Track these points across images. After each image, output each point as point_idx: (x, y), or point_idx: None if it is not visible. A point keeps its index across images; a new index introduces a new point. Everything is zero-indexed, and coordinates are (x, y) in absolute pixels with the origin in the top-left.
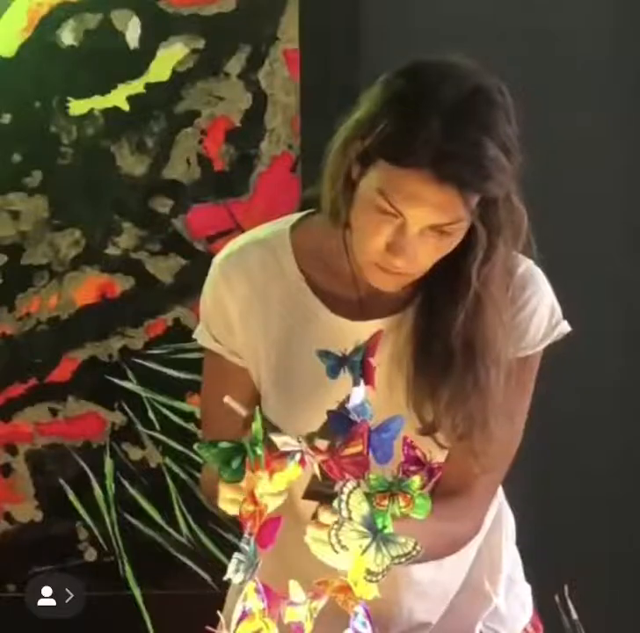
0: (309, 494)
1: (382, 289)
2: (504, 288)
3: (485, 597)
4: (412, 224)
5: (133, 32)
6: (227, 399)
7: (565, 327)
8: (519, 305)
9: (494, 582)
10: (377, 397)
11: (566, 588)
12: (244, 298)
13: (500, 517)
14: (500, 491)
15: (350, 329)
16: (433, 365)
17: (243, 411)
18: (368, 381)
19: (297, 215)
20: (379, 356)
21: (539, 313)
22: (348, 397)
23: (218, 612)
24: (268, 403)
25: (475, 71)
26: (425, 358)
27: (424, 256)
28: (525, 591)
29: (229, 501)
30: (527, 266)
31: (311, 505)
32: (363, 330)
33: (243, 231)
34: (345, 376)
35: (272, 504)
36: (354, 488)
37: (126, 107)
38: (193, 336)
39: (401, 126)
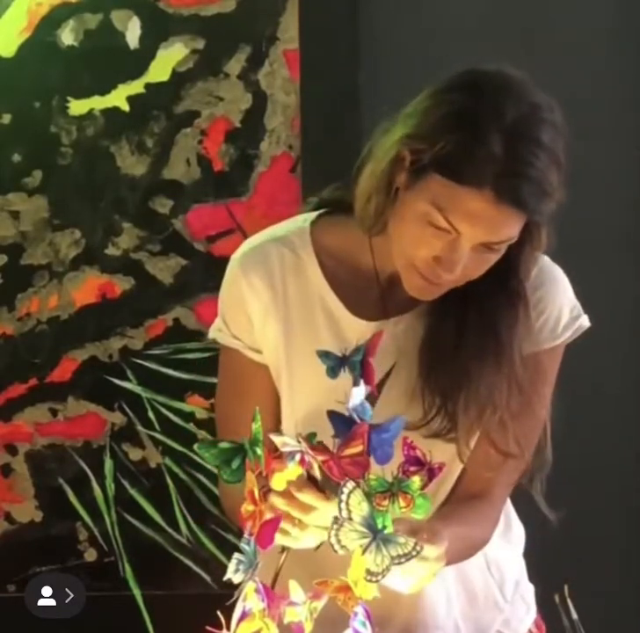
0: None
1: (419, 297)
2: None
3: (496, 608)
4: (466, 240)
5: (133, 32)
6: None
7: (585, 322)
8: (533, 302)
9: (505, 592)
10: (396, 389)
11: (566, 588)
12: (264, 295)
13: (510, 530)
14: (508, 502)
15: (368, 329)
16: (462, 357)
17: None
18: (368, 381)
19: (314, 214)
20: (406, 345)
21: (556, 308)
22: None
23: (218, 612)
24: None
25: (529, 86)
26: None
27: (469, 270)
28: (529, 591)
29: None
30: (543, 264)
31: None
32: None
33: (243, 231)
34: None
35: (318, 537)
36: (354, 488)
37: (126, 107)
38: (209, 335)
39: (462, 143)
